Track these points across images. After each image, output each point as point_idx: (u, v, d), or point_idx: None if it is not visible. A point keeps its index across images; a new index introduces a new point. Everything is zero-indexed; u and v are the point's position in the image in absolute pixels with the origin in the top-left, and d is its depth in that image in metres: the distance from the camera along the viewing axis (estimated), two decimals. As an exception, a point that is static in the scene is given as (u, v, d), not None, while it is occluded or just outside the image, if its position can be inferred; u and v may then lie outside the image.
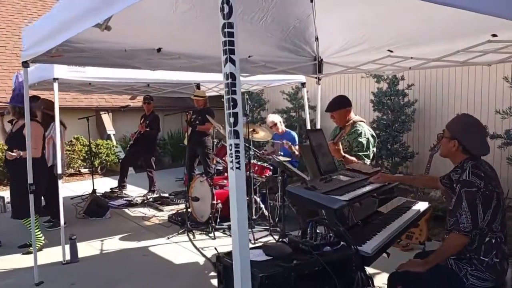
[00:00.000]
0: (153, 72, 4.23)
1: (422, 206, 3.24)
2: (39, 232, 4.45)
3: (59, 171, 4.04)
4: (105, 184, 7.67)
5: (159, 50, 3.71)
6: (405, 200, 3.45)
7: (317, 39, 4.24)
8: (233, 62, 1.35)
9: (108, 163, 9.34)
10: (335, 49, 4.31)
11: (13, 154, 4.17)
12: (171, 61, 3.89)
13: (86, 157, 8.72)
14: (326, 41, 4.25)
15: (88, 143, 7.75)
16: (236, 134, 1.32)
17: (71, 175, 8.99)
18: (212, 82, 6.54)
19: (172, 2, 2.95)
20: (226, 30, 1.36)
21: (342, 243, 2.17)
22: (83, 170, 9.10)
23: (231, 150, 1.32)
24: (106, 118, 9.76)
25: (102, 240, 4.82)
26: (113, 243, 4.72)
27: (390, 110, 6.59)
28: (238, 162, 1.32)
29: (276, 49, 4.16)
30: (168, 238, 4.78)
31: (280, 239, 4.09)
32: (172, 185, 7.75)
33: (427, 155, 4.61)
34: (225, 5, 1.36)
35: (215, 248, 4.03)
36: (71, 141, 8.89)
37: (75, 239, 4.17)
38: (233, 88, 1.31)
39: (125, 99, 8.91)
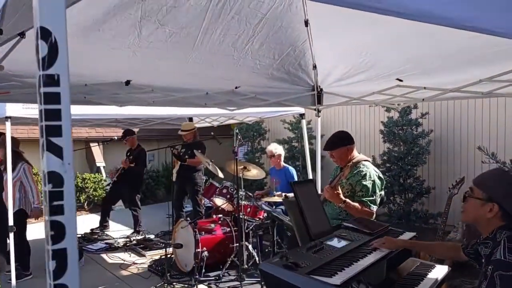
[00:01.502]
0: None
1: (440, 271, 2.60)
2: None
3: (10, 222, 3.46)
4: (90, 221, 7.06)
5: (127, 83, 3.18)
6: (419, 263, 2.81)
7: (315, 67, 3.70)
8: (58, 151, 0.71)
9: (96, 198, 8.72)
10: (335, 77, 3.77)
11: None
12: (142, 95, 3.34)
13: (72, 192, 8.15)
14: (326, 69, 3.71)
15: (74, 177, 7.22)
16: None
17: (55, 212, 8.36)
18: (202, 115, 5.97)
19: (134, 22, 2.40)
20: (43, 90, 0.75)
21: None
22: (68, 206, 8.46)
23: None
24: (96, 150, 9.22)
25: (68, 296, 4.20)
26: (81, 301, 4.11)
27: (402, 141, 5.96)
28: None
29: (268, 79, 3.62)
30: (144, 293, 4.18)
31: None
32: (162, 223, 7.05)
33: (445, 191, 3.95)
34: (40, 43, 0.73)
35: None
36: (56, 175, 8.33)
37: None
38: (55, 203, 0.64)
39: (116, 129, 8.39)
